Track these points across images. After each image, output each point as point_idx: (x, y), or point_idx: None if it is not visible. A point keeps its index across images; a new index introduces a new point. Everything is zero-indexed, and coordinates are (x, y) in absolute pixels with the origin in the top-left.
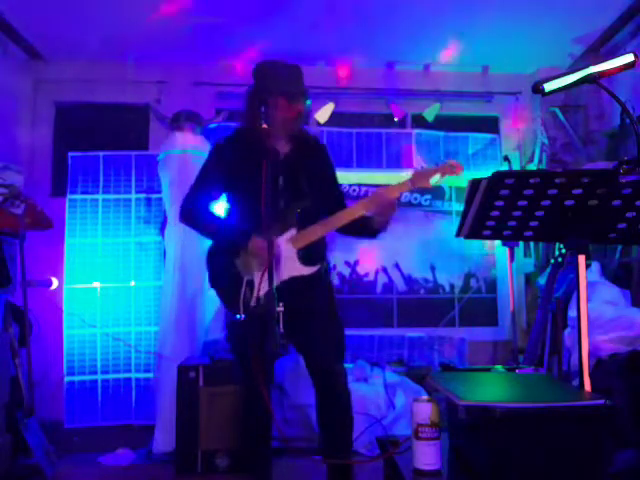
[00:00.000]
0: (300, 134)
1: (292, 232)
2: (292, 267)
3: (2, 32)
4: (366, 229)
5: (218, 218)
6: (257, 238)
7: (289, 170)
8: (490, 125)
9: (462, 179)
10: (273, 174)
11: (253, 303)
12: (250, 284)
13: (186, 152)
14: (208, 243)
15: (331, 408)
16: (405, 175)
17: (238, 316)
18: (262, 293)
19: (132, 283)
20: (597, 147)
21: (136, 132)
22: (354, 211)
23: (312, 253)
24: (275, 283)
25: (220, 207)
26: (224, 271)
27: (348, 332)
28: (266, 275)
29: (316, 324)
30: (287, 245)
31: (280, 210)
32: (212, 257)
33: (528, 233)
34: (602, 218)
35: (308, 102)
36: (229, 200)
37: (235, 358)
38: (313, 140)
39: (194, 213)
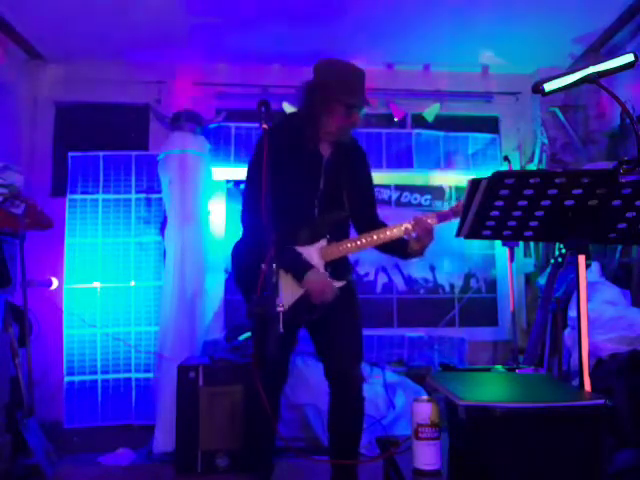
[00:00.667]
0: (345, 140)
1: (322, 243)
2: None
3: (2, 32)
4: (399, 251)
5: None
6: (314, 272)
7: (330, 175)
8: (490, 125)
9: (460, 178)
10: (315, 177)
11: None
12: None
13: (186, 152)
14: (212, 243)
15: (345, 413)
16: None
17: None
18: (289, 302)
19: (132, 283)
20: (597, 147)
21: (136, 132)
22: (393, 234)
23: (340, 267)
24: (300, 293)
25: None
26: (251, 273)
27: None
28: (289, 285)
29: (340, 328)
30: (316, 256)
31: (314, 217)
32: (238, 258)
33: (528, 233)
34: (602, 218)
35: (364, 111)
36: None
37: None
38: (354, 144)
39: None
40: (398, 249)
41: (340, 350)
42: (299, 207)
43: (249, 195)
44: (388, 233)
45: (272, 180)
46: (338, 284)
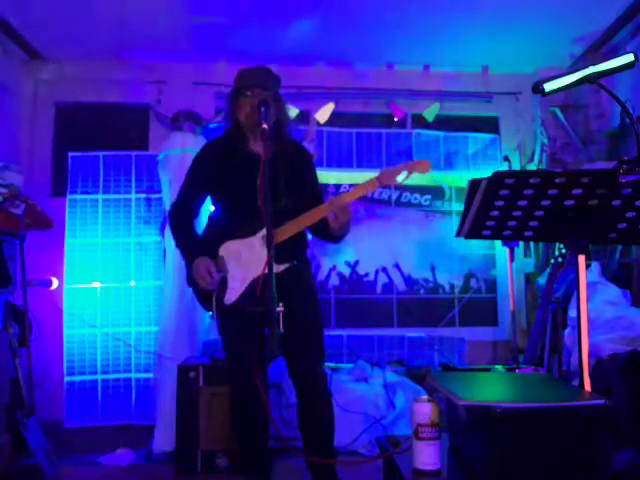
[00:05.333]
0: (282, 138)
1: (264, 232)
2: (262, 265)
3: (2, 32)
4: (324, 232)
5: (193, 235)
6: (201, 260)
7: (267, 171)
8: (490, 125)
9: (460, 178)
10: (251, 175)
11: (228, 301)
12: (223, 282)
13: (186, 152)
14: None
15: (314, 413)
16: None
17: (210, 313)
18: (237, 294)
19: (132, 283)
20: (597, 147)
21: (136, 132)
22: (317, 213)
23: (282, 251)
24: (247, 282)
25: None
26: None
27: (348, 332)
28: (237, 276)
29: (296, 325)
30: (259, 244)
31: (256, 210)
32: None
33: (528, 233)
34: (602, 218)
35: (277, 95)
36: (212, 201)
37: (228, 357)
38: (297, 146)
39: (175, 222)
40: (323, 231)
41: (299, 349)
42: (241, 204)
43: (177, 194)
44: (313, 212)
45: (216, 185)
46: (280, 267)
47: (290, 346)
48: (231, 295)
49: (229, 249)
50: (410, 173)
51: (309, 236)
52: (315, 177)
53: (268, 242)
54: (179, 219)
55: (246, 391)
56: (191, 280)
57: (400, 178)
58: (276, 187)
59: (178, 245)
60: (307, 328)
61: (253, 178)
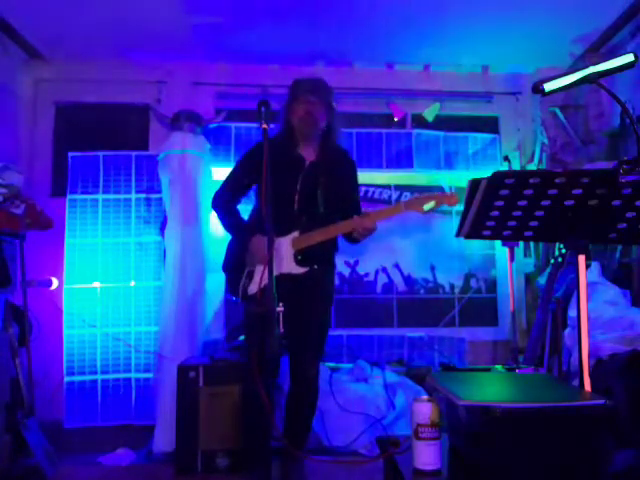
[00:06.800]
0: (329, 145)
1: (295, 234)
2: (285, 265)
3: (2, 32)
4: (350, 239)
5: (238, 215)
6: (257, 237)
7: (309, 177)
8: (490, 125)
9: (460, 178)
10: (293, 177)
11: (251, 292)
12: (250, 275)
13: (186, 152)
14: (211, 241)
15: (301, 409)
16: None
17: (234, 298)
18: (261, 285)
19: (132, 283)
20: (597, 147)
21: (136, 132)
22: (345, 226)
23: (308, 255)
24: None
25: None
26: (233, 259)
27: (348, 332)
28: (265, 269)
29: (302, 326)
30: (288, 245)
31: (292, 213)
32: (229, 245)
33: (528, 233)
34: (602, 218)
35: (329, 104)
36: (255, 195)
37: (248, 344)
38: (342, 153)
39: (220, 203)
40: (350, 238)
41: (297, 350)
42: (279, 203)
43: (223, 181)
44: (342, 225)
45: (259, 181)
46: (300, 270)
47: (294, 346)
48: (254, 287)
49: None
50: (438, 204)
51: None
52: (356, 186)
53: (269, 242)
54: (224, 203)
55: (265, 378)
56: (226, 264)
57: (427, 207)
58: (315, 193)
59: (226, 225)
60: (311, 330)
61: (295, 180)
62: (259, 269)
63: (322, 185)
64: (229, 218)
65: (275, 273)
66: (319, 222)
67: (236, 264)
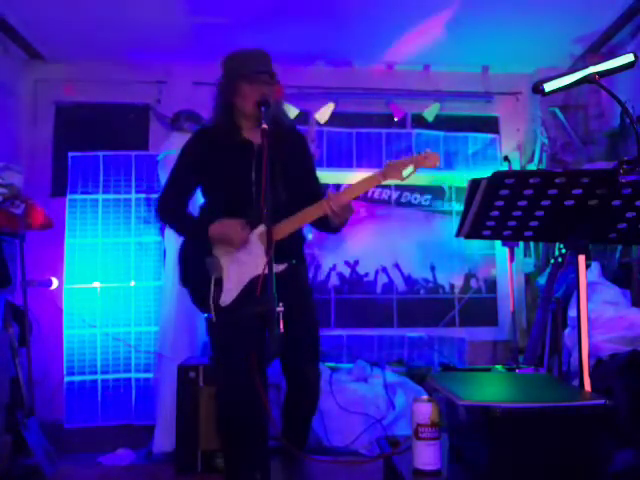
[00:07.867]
0: (275, 122)
1: (261, 228)
2: (261, 264)
3: (2, 32)
4: (326, 226)
5: (192, 218)
6: (225, 220)
7: (262, 162)
8: (490, 125)
9: (460, 178)
10: (245, 165)
11: (224, 303)
12: (218, 283)
13: None
14: None
15: (301, 410)
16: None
17: (206, 315)
18: (233, 295)
19: (132, 283)
20: (597, 147)
21: (136, 132)
22: (315, 211)
23: (281, 249)
24: (244, 283)
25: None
26: (193, 269)
27: (348, 332)
28: (232, 276)
29: (295, 326)
30: (256, 242)
31: (252, 205)
32: (183, 255)
33: (528, 233)
34: (602, 218)
35: (276, 83)
36: (203, 193)
37: (221, 359)
38: (289, 128)
39: (166, 211)
40: (321, 224)
41: (295, 350)
42: (234, 197)
43: (165, 186)
44: (311, 210)
45: (206, 175)
46: (279, 267)
47: (288, 346)
48: (227, 297)
49: (223, 247)
50: (417, 167)
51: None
52: (313, 164)
53: (268, 241)
54: (171, 212)
55: (242, 392)
56: (185, 278)
57: (406, 172)
58: (273, 179)
59: (182, 232)
60: (306, 329)
61: (247, 168)
62: (229, 276)
63: (278, 168)
64: (183, 223)
65: (253, 275)
66: (284, 211)
67: (198, 275)
